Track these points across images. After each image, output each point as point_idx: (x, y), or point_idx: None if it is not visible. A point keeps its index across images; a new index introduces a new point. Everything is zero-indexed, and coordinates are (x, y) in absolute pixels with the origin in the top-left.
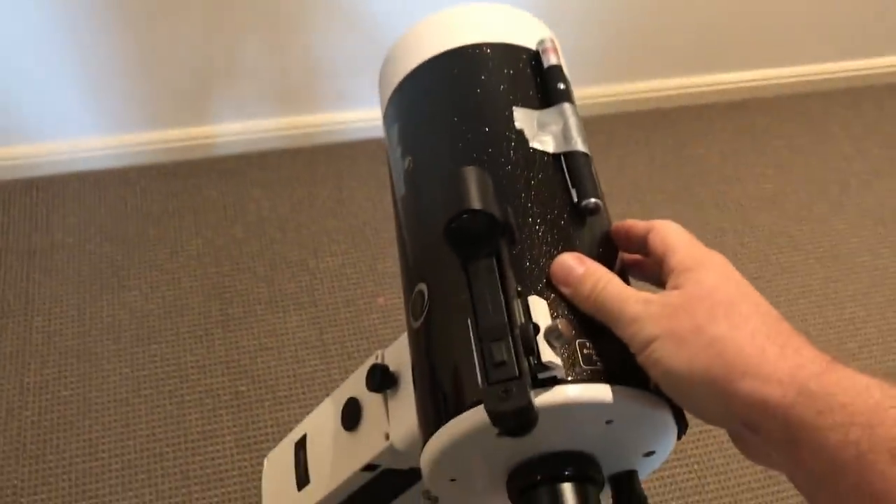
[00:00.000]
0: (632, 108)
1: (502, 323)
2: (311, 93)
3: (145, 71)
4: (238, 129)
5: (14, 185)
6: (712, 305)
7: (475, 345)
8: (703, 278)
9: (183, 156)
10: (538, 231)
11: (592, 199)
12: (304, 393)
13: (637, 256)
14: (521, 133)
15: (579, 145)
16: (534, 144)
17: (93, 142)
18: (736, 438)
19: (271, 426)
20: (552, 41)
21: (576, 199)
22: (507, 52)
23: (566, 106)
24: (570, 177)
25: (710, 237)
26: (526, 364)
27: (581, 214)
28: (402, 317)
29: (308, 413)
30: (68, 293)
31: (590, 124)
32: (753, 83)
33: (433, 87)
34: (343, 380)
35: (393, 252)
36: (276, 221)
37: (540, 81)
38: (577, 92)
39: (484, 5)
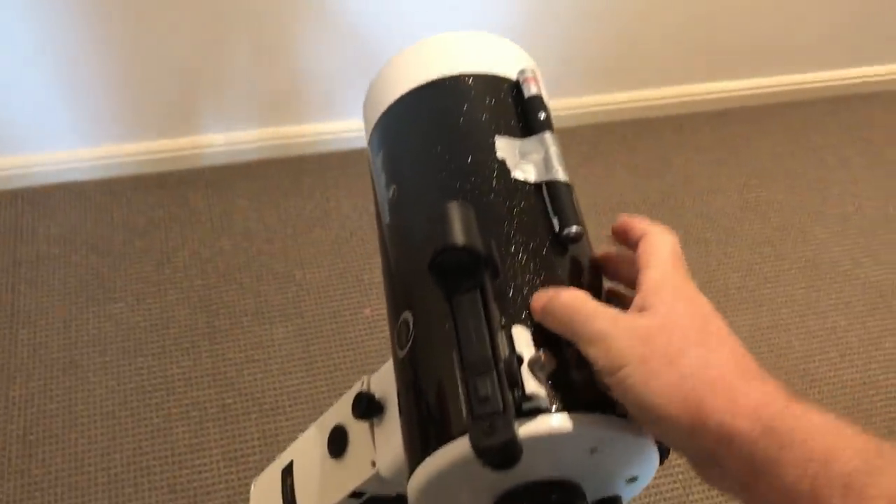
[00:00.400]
0: (615, 119)
1: (486, 357)
2: (298, 103)
3: (132, 81)
4: (225, 139)
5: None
6: (683, 337)
7: (460, 379)
8: (674, 305)
9: (170, 166)
10: (521, 260)
11: (574, 228)
12: (290, 405)
13: (612, 251)
14: (503, 162)
15: (560, 174)
16: (515, 174)
17: (79, 153)
18: (696, 465)
19: (258, 439)
20: (533, 71)
21: (557, 228)
22: (489, 83)
23: (547, 135)
24: (551, 206)
25: (695, 247)
26: (510, 397)
27: (563, 243)
28: (389, 328)
29: (293, 427)
30: (54, 305)
31: (574, 134)
32: (735, 93)
33: (417, 117)
34: (329, 392)
35: (379, 262)
36: (263, 232)
37: (521, 111)
38: (561, 102)
39: (466, 35)
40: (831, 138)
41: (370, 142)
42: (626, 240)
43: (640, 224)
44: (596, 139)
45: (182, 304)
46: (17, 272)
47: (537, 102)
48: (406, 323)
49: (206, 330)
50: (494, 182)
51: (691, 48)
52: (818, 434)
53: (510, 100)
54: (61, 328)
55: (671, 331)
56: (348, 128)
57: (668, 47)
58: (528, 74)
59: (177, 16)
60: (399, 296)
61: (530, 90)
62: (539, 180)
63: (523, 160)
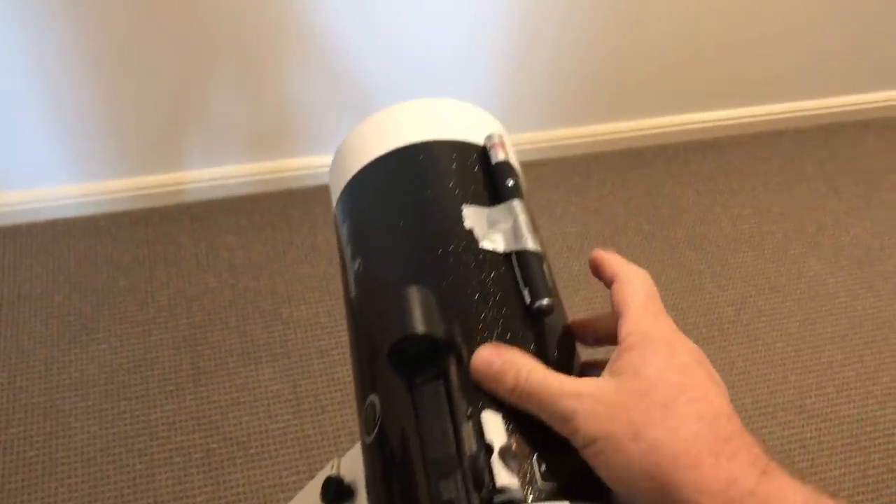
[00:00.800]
0: (607, 149)
1: (450, 455)
2: (285, 137)
3: (116, 117)
4: (211, 174)
5: None
6: (650, 406)
7: (423, 479)
8: (644, 367)
9: (155, 202)
10: (490, 337)
11: (545, 301)
12: (276, 450)
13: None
14: (470, 232)
15: (530, 244)
16: (484, 244)
17: (62, 190)
18: None
19: (243, 485)
20: (500, 137)
21: (528, 301)
22: (456, 150)
23: (516, 203)
24: (521, 277)
25: (688, 279)
26: (476, 500)
27: (534, 315)
28: (357, 409)
29: (280, 472)
30: (35, 347)
31: (565, 165)
32: (727, 121)
33: (382, 186)
34: (316, 435)
35: None
36: (249, 269)
37: (489, 178)
38: (552, 133)
39: (432, 102)
40: (825, 167)
41: (336, 212)
42: (601, 277)
43: (610, 264)
44: (587, 169)
45: (166, 344)
46: None
47: (505, 169)
48: (373, 406)
49: (190, 371)
50: (463, 254)
51: (683, 77)
52: None
53: (478, 167)
54: (42, 371)
55: (638, 398)
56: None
57: (659, 77)
58: (496, 140)
59: (161, 52)
60: (365, 377)
61: (497, 156)
62: (508, 250)
63: (492, 230)
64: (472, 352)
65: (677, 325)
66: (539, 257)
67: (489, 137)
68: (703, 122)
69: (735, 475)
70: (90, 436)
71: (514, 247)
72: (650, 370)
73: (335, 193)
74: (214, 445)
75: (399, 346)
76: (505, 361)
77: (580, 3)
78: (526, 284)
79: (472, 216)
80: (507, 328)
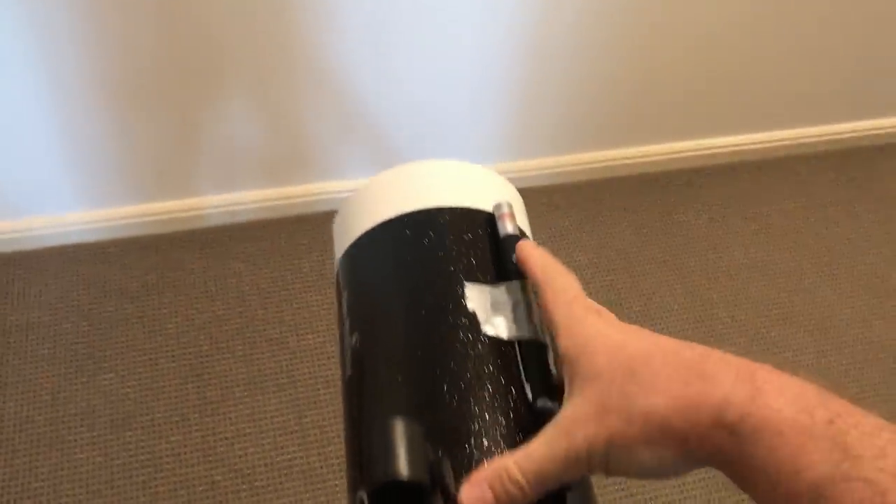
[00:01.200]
0: (619, 174)
1: None
2: (295, 163)
3: (128, 144)
4: (220, 200)
5: None
6: (620, 392)
7: None
8: (595, 369)
9: (164, 228)
10: (485, 444)
11: (548, 403)
12: (281, 483)
13: None
14: (473, 316)
15: (534, 332)
16: (486, 329)
17: (73, 216)
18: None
19: None
20: (509, 206)
21: (531, 397)
22: (463, 218)
23: (520, 284)
24: (524, 369)
25: (700, 309)
26: None
27: (535, 413)
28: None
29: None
30: (42, 376)
31: (577, 190)
32: (741, 147)
33: (385, 257)
34: (322, 467)
35: None
36: (258, 297)
37: (495, 248)
38: (564, 158)
39: (442, 164)
40: (840, 193)
41: (336, 275)
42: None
43: (532, 268)
44: (599, 195)
45: (173, 373)
46: (6, 341)
47: (512, 243)
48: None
49: (196, 402)
50: (464, 339)
51: (695, 102)
52: (785, 434)
53: (484, 238)
54: (49, 401)
55: (610, 395)
56: (345, 187)
57: (671, 101)
58: (505, 210)
59: (174, 79)
60: (355, 470)
61: (506, 229)
62: (511, 337)
63: (495, 312)
64: (465, 469)
65: None
66: (542, 347)
67: (498, 207)
68: (716, 147)
69: (725, 395)
70: (95, 467)
71: (516, 334)
72: (601, 367)
73: (338, 250)
74: (219, 478)
75: (380, 489)
76: (491, 481)
77: (592, 28)
78: (528, 378)
79: (475, 297)
80: (507, 428)
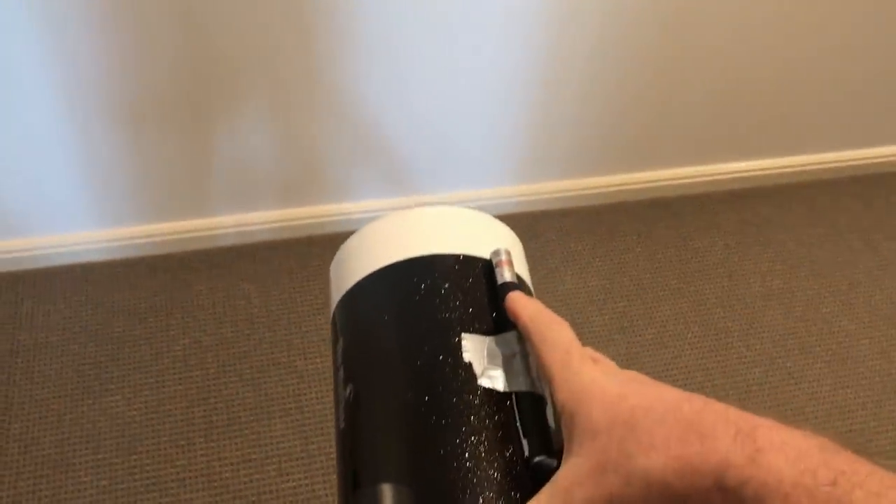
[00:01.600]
0: (633, 199)
1: None
2: (306, 185)
3: (139, 164)
4: (231, 221)
5: (1, 280)
6: (619, 448)
7: None
8: (592, 425)
9: (173, 248)
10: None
11: (546, 460)
12: None
13: None
14: (469, 368)
15: (531, 384)
16: (482, 381)
17: (83, 235)
18: None
19: None
20: (507, 252)
21: (527, 452)
22: (460, 266)
23: (517, 334)
24: (521, 424)
25: (714, 338)
26: None
27: (533, 469)
28: None
29: None
30: (49, 397)
31: (590, 215)
32: (758, 172)
33: (379, 304)
34: (327, 495)
35: None
36: (266, 319)
37: (492, 296)
38: (577, 183)
39: (439, 210)
40: (858, 221)
41: (332, 321)
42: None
43: (523, 321)
44: (614, 220)
45: (180, 396)
46: (14, 362)
47: (507, 292)
48: None
49: (202, 425)
50: (460, 393)
51: (712, 126)
52: (788, 498)
53: (482, 284)
54: (55, 422)
55: (609, 451)
56: (354, 209)
57: (687, 125)
58: (503, 257)
59: (186, 98)
60: None
61: (503, 276)
62: (507, 390)
63: (492, 364)
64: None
65: (702, 387)
66: (540, 401)
67: (496, 253)
68: (733, 172)
69: (725, 456)
70: (99, 490)
71: (513, 386)
72: (599, 422)
73: (335, 296)
74: None
75: None
76: None
77: (606, 53)
78: (525, 433)
79: (472, 348)
80: (503, 486)
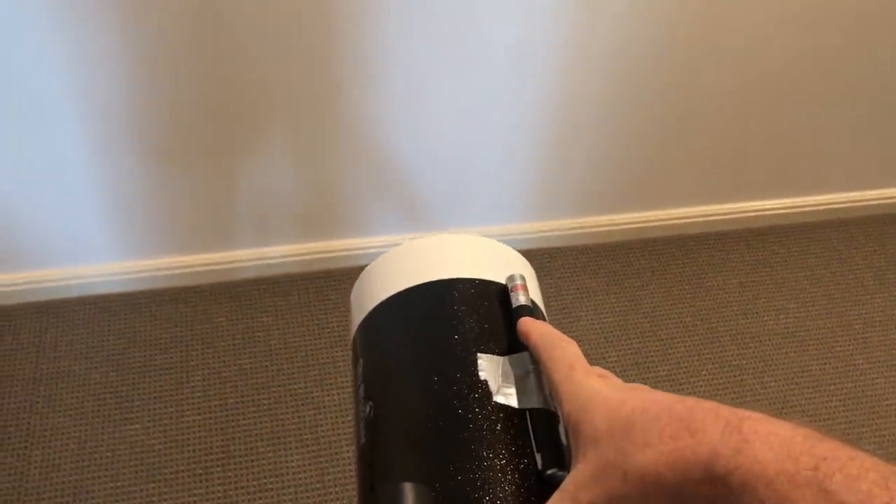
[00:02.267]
0: (647, 236)
1: None
2: (326, 219)
3: (163, 197)
4: (251, 254)
5: (26, 309)
6: (618, 448)
7: None
8: (595, 430)
9: (195, 281)
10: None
11: (558, 473)
12: None
13: None
14: (485, 385)
15: (544, 401)
16: (497, 398)
17: (106, 267)
18: None
19: None
20: (521, 277)
21: (540, 465)
22: (477, 290)
23: (531, 355)
24: (534, 439)
25: (728, 375)
26: None
27: (545, 482)
28: None
29: None
30: (70, 425)
31: (605, 252)
32: (773, 211)
33: (398, 326)
34: None
35: None
36: (285, 351)
37: (508, 320)
38: (591, 221)
39: (456, 237)
40: (873, 260)
41: (353, 343)
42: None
43: (533, 342)
44: (628, 257)
45: (198, 426)
46: (37, 390)
47: (524, 314)
48: None
49: (220, 455)
50: (475, 409)
51: (727, 165)
52: (772, 483)
53: (498, 307)
54: (75, 450)
55: (609, 452)
56: (372, 243)
57: (702, 163)
58: (518, 282)
59: (209, 133)
60: None
61: (518, 300)
62: (521, 407)
63: (506, 382)
64: None
65: None
66: (552, 417)
67: (511, 278)
68: (747, 210)
69: (713, 447)
70: None
71: (527, 403)
72: (601, 429)
73: (355, 320)
74: None
75: None
76: None
77: (619, 90)
78: (539, 448)
79: (488, 367)
80: (518, 498)
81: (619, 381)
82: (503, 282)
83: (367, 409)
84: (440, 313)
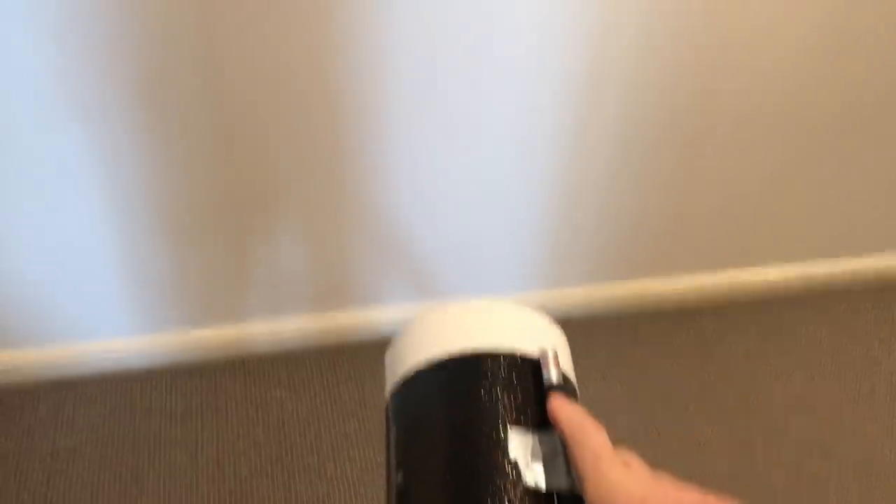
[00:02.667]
0: (655, 306)
1: None
2: (337, 291)
3: (179, 272)
4: (265, 328)
5: (44, 385)
6: None
7: None
8: None
9: (210, 355)
10: None
11: None
12: None
13: None
14: (515, 464)
15: (571, 484)
16: (526, 477)
17: (122, 342)
18: None
19: None
20: (554, 352)
21: None
22: (509, 363)
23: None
24: None
25: (737, 445)
26: None
27: None
28: None
29: None
30: (86, 500)
31: (612, 321)
32: (779, 280)
33: (431, 397)
34: None
35: None
36: (297, 424)
37: (539, 394)
38: (598, 289)
39: (491, 304)
40: (880, 329)
41: (389, 402)
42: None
43: (562, 425)
44: (635, 327)
45: (212, 499)
46: (53, 465)
47: (555, 391)
48: None
49: None
50: (504, 486)
51: (733, 233)
52: None
53: (530, 382)
54: None
55: None
56: (385, 317)
57: (708, 232)
58: (550, 357)
59: (224, 208)
60: None
61: (550, 376)
62: (549, 489)
63: (535, 461)
64: None
65: (727, 491)
66: (578, 501)
67: (543, 354)
68: (754, 279)
69: None
70: None
71: (555, 485)
72: None
73: (389, 384)
74: None
75: None
76: None
77: (626, 160)
78: None
79: (517, 444)
80: None
81: (644, 471)
82: (536, 352)
83: (398, 476)
84: (472, 387)
